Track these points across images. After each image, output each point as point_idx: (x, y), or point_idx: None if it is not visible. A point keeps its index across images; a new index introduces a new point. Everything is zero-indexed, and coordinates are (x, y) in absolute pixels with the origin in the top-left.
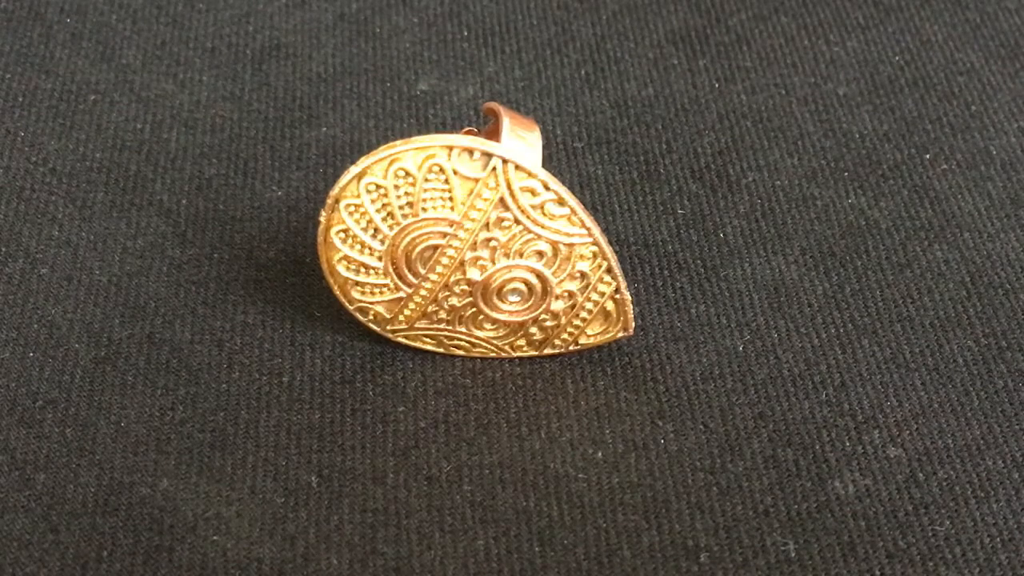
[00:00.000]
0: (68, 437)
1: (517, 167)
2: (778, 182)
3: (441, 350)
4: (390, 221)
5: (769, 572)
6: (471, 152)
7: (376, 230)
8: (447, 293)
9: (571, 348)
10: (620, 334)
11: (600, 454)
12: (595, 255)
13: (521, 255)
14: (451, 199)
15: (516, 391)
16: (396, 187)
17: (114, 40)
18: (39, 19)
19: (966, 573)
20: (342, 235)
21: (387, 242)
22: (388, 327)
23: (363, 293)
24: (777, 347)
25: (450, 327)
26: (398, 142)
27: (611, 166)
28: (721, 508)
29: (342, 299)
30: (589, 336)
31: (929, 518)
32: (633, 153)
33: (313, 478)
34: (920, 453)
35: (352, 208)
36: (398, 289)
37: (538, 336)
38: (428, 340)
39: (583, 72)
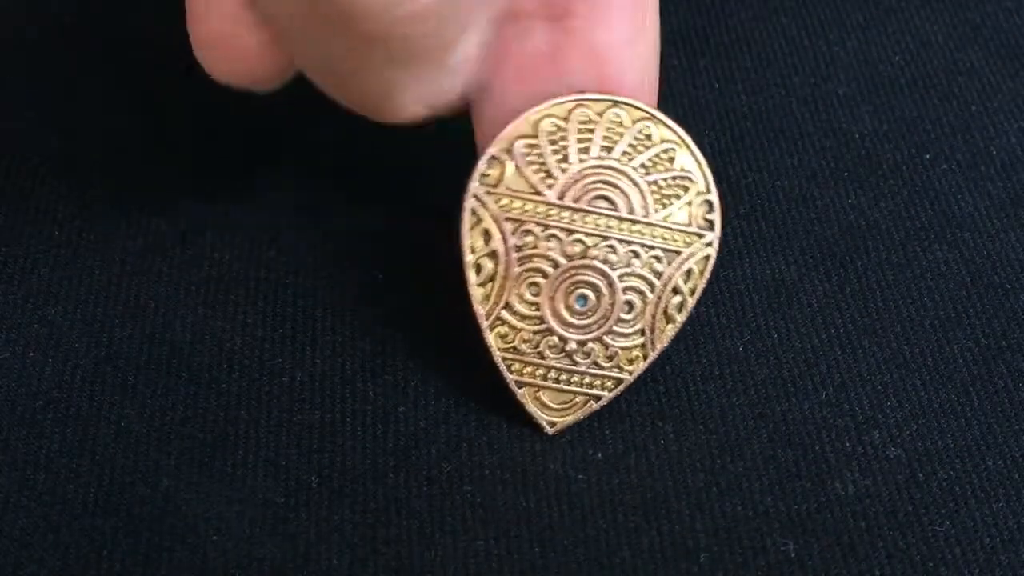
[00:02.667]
0: (68, 437)
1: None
2: (778, 182)
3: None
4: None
5: (769, 572)
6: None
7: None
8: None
9: (515, 388)
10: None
11: (600, 454)
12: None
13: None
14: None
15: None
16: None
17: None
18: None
19: (966, 573)
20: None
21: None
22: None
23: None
24: (777, 347)
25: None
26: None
27: None
28: (721, 508)
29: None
30: (544, 401)
31: (929, 518)
32: None
33: (313, 478)
34: (920, 453)
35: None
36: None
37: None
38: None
39: None
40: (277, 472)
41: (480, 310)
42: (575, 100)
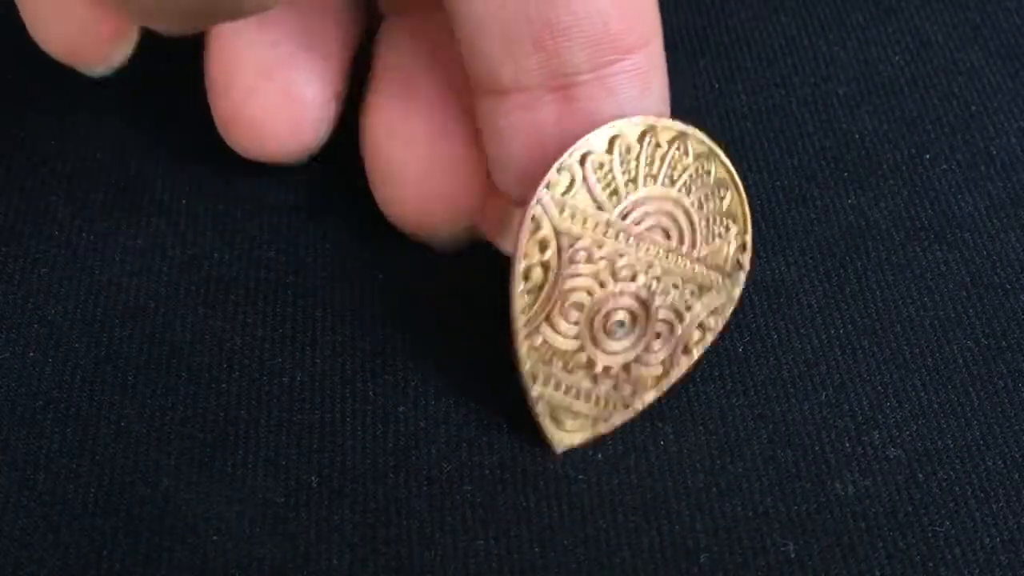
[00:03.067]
0: (68, 437)
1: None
2: (778, 182)
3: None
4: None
5: (769, 573)
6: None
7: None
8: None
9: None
10: (556, 442)
11: (600, 454)
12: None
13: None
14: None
15: (516, 390)
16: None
17: None
18: None
19: (966, 573)
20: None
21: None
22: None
23: None
24: (777, 348)
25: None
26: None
27: None
28: (721, 509)
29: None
30: (563, 423)
31: (929, 519)
32: None
33: (313, 478)
34: (920, 454)
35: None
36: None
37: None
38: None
39: None
40: (277, 472)
41: (520, 318)
42: (649, 124)
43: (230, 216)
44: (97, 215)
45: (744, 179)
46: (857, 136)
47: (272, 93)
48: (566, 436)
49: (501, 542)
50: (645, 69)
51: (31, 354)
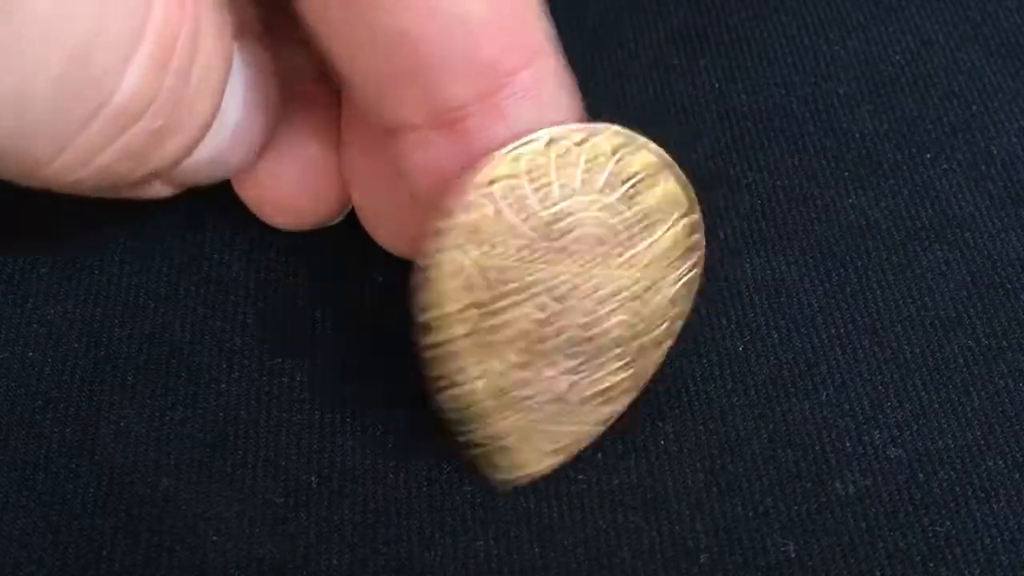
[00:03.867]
0: (68, 437)
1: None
2: (778, 182)
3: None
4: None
5: (769, 573)
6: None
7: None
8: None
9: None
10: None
11: (600, 455)
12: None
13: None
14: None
15: None
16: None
17: None
18: None
19: (966, 574)
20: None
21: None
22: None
23: None
24: (777, 347)
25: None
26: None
27: None
28: (721, 509)
29: None
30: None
31: (929, 519)
32: None
33: (313, 478)
34: (920, 454)
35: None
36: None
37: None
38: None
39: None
40: (277, 472)
41: (469, 360)
42: (552, 135)
43: (230, 216)
44: (97, 215)
45: (744, 179)
46: (857, 135)
47: (294, 170)
48: (551, 459)
49: (501, 542)
50: (535, 87)
51: (30, 354)
